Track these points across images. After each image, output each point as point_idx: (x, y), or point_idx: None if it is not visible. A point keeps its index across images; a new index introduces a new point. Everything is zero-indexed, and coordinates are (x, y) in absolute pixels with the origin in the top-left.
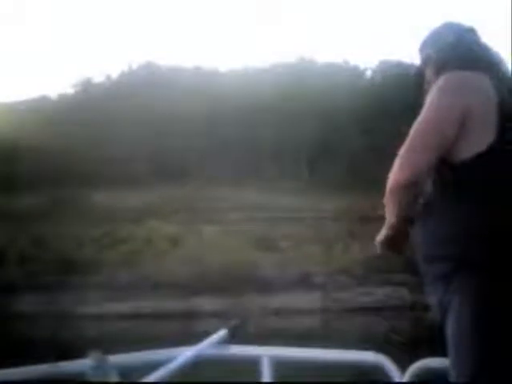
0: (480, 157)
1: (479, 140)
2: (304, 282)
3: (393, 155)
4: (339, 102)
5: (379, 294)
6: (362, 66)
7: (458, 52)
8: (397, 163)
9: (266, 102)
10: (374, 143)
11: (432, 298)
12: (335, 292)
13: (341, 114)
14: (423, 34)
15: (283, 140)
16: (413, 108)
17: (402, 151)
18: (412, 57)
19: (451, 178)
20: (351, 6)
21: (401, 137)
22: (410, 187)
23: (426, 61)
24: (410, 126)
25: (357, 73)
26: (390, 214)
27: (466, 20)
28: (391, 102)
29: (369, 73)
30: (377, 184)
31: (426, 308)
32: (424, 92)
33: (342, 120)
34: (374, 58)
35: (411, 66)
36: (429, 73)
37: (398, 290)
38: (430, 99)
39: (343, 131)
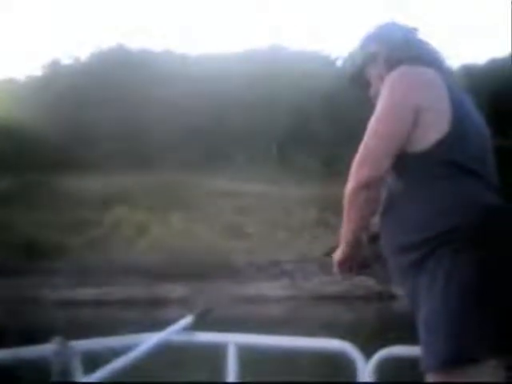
0: (439, 144)
1: (436, 130)
2: (272, 270)
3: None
4: (311, 89)
5: (346, 283)
6: (333, 55)
7: (409, 49)
8: (355, 164)
9: (238, 88)
10: (345, 131)
11: (403, 288)
12: (303, 280)
13: (313, 101)
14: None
15: (254, 127)
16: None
17: (359, 153)
18: None
19: (414, 167)
20: None
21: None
22: (372, 186)
23: (372, 57)
24: None
25: (329, 61)
26: (349, 226)
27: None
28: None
29: (340, 61)
30: (348, 172)
31: (393, 298)
32: (368, 89)
33: (314, 108)
34: (346, 46)
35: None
36: (374, 69)
37: (364, 279)
38: (383, 95)
39: (315, 119)
